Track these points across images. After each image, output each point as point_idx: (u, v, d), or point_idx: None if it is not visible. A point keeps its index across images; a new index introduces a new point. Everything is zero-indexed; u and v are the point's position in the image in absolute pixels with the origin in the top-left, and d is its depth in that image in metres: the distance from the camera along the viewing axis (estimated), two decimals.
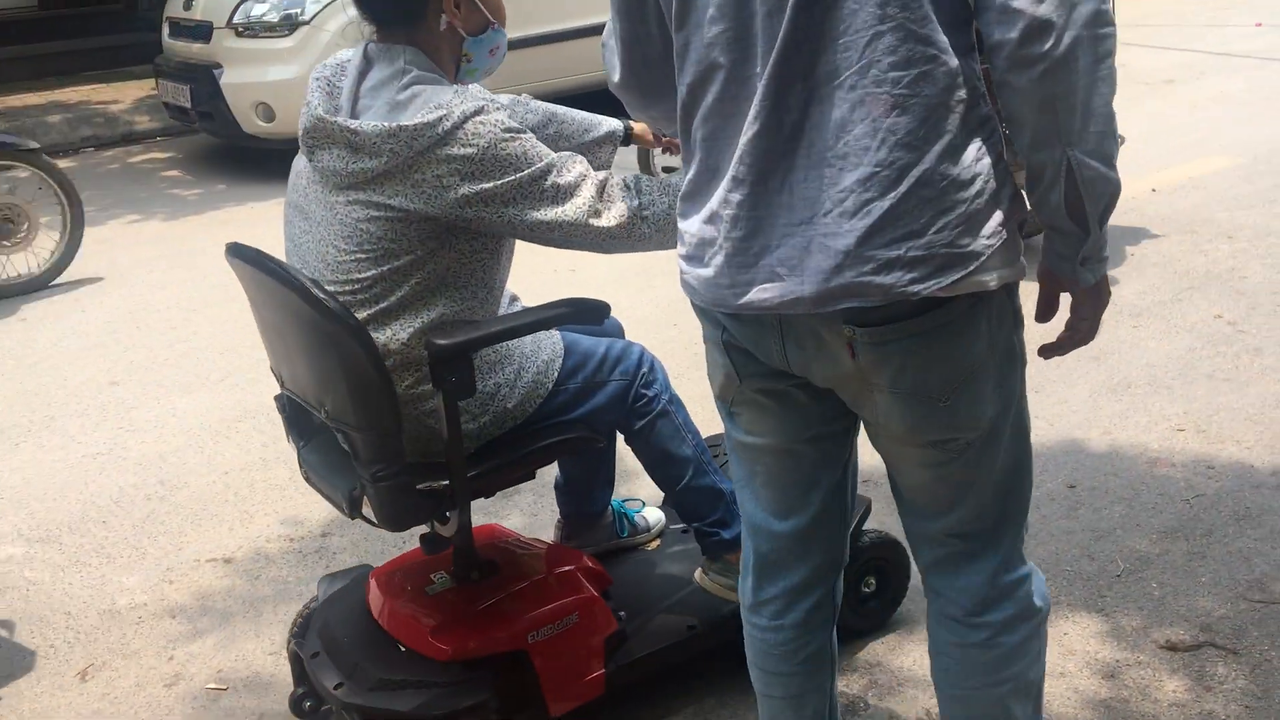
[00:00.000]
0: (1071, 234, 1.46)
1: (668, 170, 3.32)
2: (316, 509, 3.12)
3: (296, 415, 2.17)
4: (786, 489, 1.70)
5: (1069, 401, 3.48)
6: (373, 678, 2.01)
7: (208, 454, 3.51)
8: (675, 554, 2.45)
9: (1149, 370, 3.63)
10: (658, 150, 2.49)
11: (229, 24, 6.77)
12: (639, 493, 2.81)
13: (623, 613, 2.21)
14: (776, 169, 1.44)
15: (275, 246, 1.98)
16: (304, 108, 1.93)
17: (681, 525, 2.37)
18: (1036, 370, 3.70)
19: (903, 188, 1.37)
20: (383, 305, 1.88)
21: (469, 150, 1.82)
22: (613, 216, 1.89)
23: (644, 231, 1.92)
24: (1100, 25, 1.32)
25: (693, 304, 1.63)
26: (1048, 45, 1.31)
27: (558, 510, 2.54)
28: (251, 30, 6.71)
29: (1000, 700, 1.69)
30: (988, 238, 1.41)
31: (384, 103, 1.88)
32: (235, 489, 3.30)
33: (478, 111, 1.84)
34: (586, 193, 1.88)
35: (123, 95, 8.91)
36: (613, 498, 2.52)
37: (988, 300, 1.46)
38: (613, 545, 2.49)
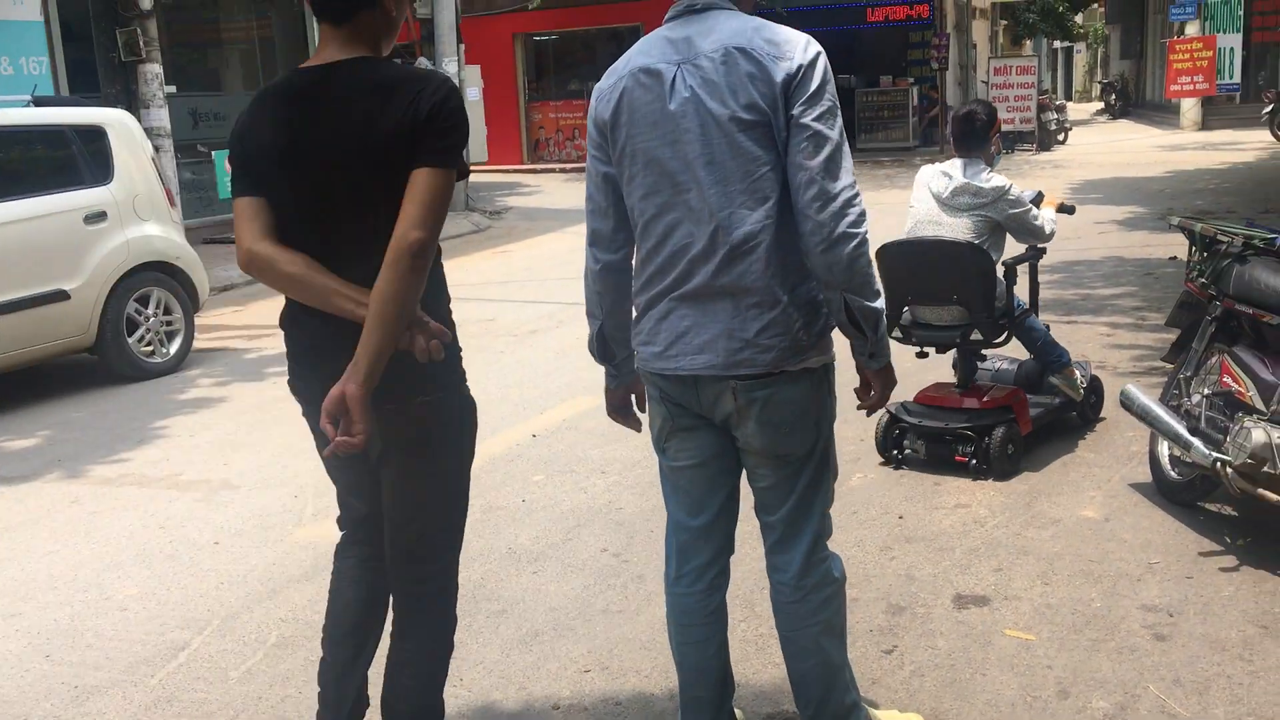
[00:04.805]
0: (856, 338, 2.50)
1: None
2: None
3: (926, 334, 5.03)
4: (698, 496, 2.69)
5: (484, 662, 3.48)
6: (961, 416, 4.99)
7: None
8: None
9: (553, 615, 3.77)
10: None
11: None
12: None
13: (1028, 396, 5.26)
14: None
15: None
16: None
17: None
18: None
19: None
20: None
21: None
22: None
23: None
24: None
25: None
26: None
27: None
28: None
29: (814, 636, 2.66)
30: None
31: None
32: None
33: None
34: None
35: None
36: None
37: (813, 373, 2.54)
38: None
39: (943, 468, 4.95)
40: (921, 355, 5.16)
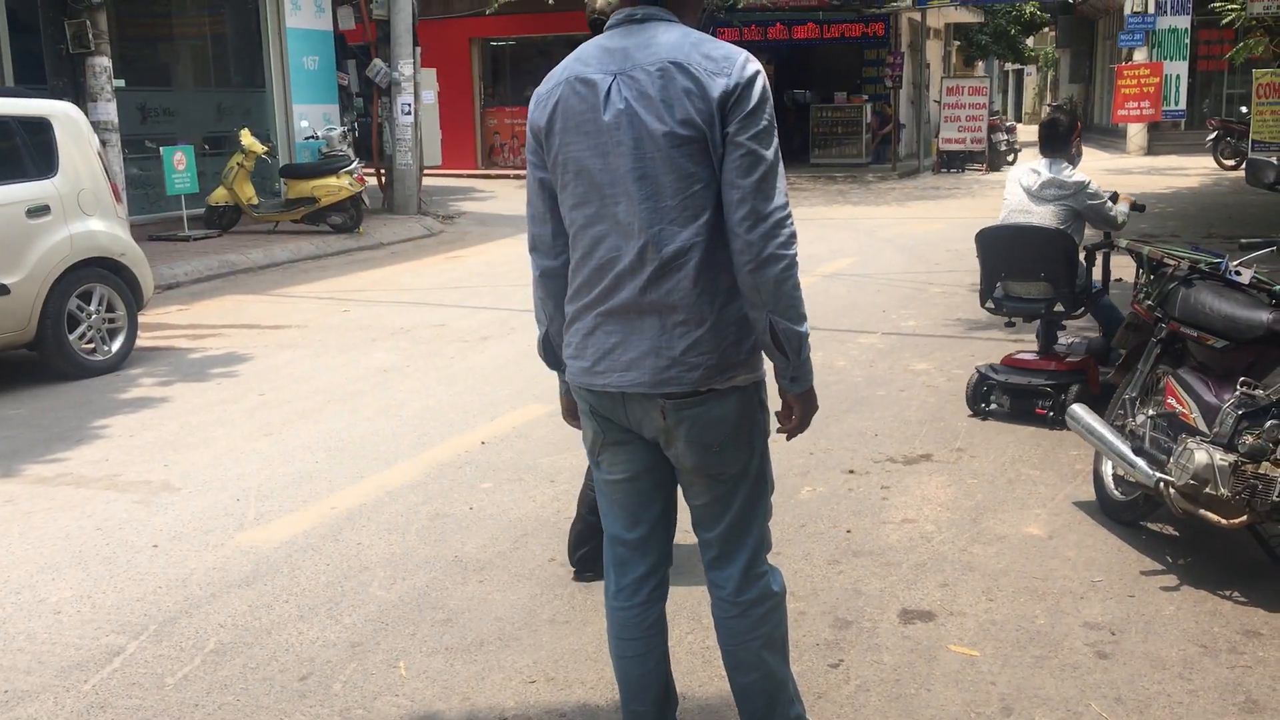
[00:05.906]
0: (779, 360, 2.43)
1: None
2: None
3: (1015, 305, 5.92)
4: (632, 510, 2.65)
5: (428, 671, 3.43)
6: (1042, 375, 5.84)
7: None
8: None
9: (498, 624, 3.73)
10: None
11: None
12: None
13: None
14: None
15: None
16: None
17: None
18: (395, 640, 3.67)
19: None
20: None
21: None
22: None
23: None
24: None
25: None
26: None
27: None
28: None
29: (755, 651, 2.65)
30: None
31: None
32: None
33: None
34: None
35: None
36: None
37: (742, 390, 2.49)
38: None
39: (1024, 419, 5.82)
40: (1010, 324, 6.28)
